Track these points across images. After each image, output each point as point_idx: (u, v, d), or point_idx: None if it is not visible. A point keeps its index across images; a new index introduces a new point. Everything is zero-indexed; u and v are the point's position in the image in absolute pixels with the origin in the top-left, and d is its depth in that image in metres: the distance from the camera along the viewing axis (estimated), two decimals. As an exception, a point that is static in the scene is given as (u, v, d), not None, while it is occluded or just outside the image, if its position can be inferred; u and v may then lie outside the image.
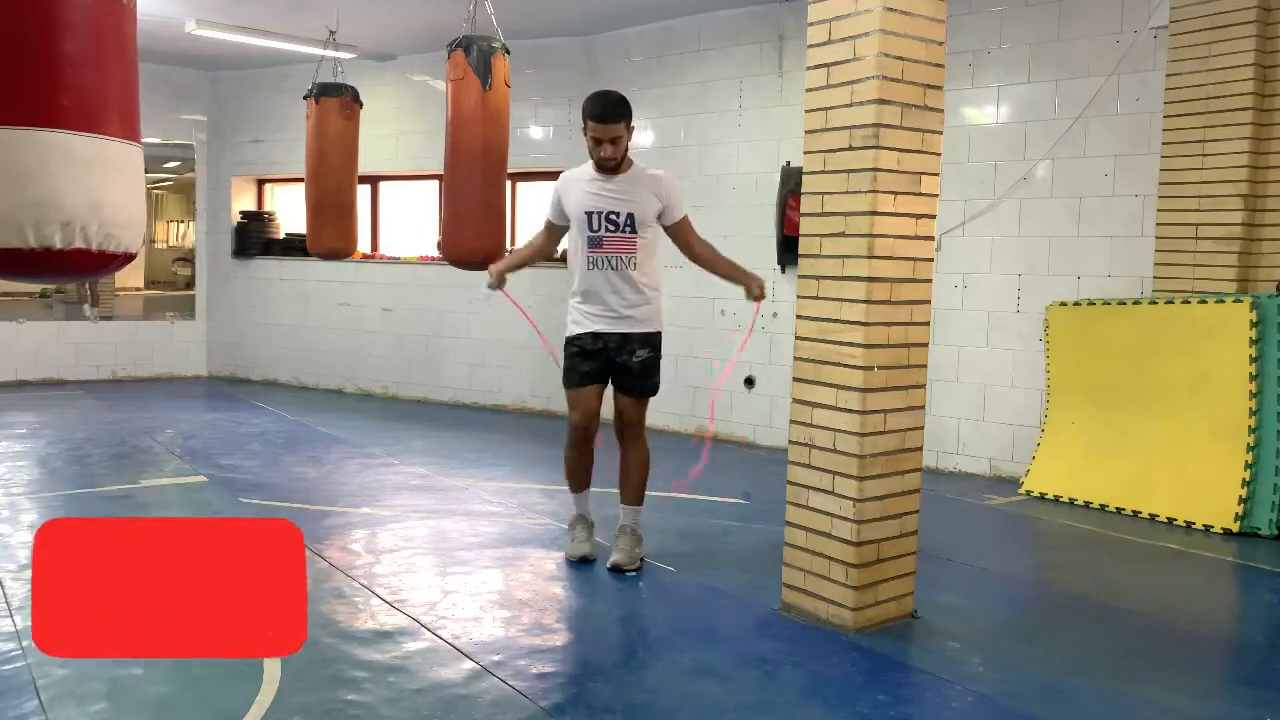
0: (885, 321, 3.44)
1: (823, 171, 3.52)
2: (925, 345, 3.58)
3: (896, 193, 3.42)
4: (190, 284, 11.10)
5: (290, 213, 9.80)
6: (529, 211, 8.32)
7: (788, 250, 6.54)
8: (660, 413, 6.92)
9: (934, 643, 3.43)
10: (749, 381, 7.09)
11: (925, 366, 3.60)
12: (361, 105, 6.81)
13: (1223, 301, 5.05)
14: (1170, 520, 5.09)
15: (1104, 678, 3.18)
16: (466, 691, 2.96)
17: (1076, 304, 5.63)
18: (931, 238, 3.56)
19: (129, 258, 2.35)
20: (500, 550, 4.40)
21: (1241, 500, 4.89)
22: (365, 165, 7.10)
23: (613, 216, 4.01)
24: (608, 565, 4.12)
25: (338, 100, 6.63)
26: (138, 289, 17.78)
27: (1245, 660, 3.55)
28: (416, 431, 7.29)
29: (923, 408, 3.60)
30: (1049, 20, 5.87)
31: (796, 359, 3.63)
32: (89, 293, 11.13)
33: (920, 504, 3.63)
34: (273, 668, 3.04)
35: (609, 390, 4.19)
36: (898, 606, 3.58)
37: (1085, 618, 3.80)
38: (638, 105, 4.56)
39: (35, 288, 14.09)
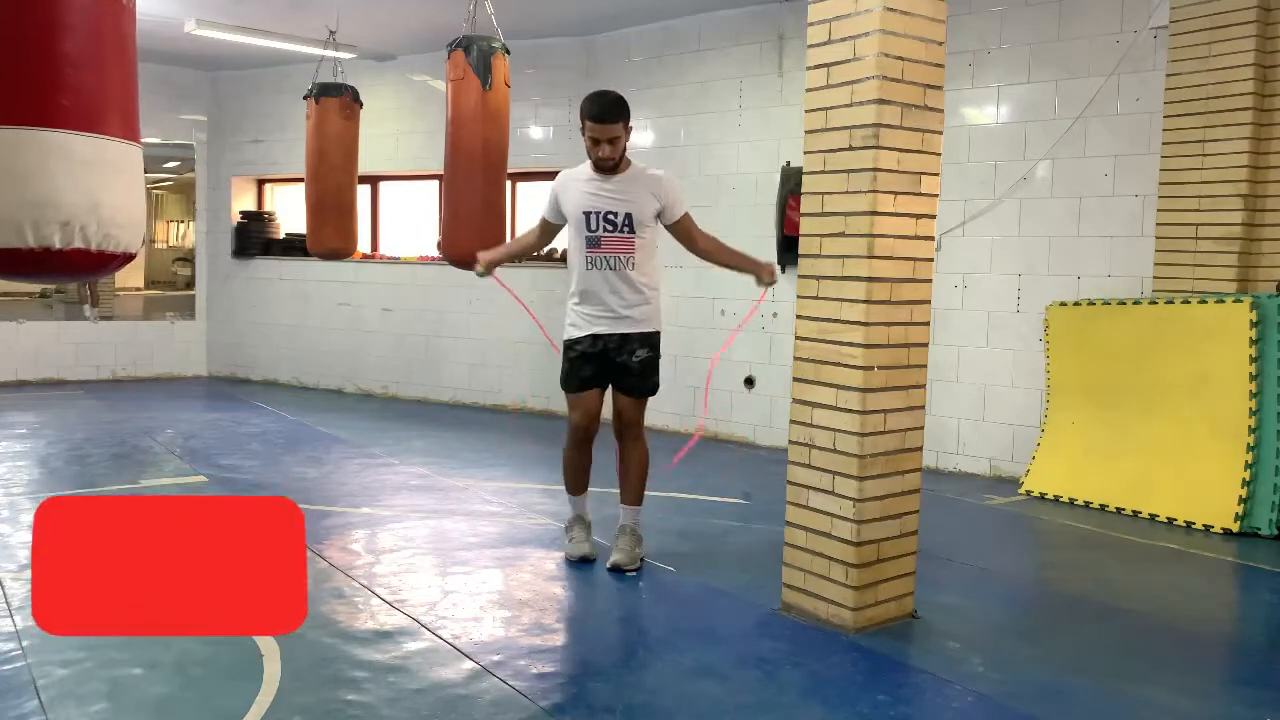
0: (885, 321, 3.44)
1: (823, 171, 3.52)
2: (925, 345, 3.58)
3: (896, 193, 3.42)
4: (190, 284, 11.10)
5: (290, 213, 9.80)
6: (529, 211, 8.32)
7: (788, 250, 6.54)
8: (660, 412, 6.92)
9: (934, 643, 3.43)
10: (749, 381, 7.09)
11: (925, 366, 3.60)
12: (361, 105, 6.81)
13: (1223, 301, 5.05)
14: (1170, 520, 5.09)
15: (1104, 678, 3.18)
16: (466, 691, 2.96)
17: (1076, 304, 5.63)
18: (931, 238, 3.56)
19: (128, 258, 2.35)
20: (500, 550, 4.40)
21: (1241, 500, 4.89)
22: (365, 165, 7.10)
23: (611, 216, 4.01)
24: (608, 565, 4.12)
25: (338, 100, 6.63)
26: (138, 289, 17.78)
27: (1245, 660, 3.55)
28: (416, 431, 7.29)
29: (923, 408, 3.60)
30: (1049, 20, 5.87)
31: (796, 359, 3.63)
32: (89, 293, 11.13)
33: (920, 504, 3.63)
34: (273, 668, 3.04)
35: (608, 390, 4.19)
36: (898, 606, 3.58)
37: (1085, 618, 3.80)
38: (638, 105, 4.57)
39: (35, 288, 14.09)
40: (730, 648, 3.35)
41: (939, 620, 3.62)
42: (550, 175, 4.35)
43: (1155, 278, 5.49)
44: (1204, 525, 4.97)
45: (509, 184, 5.90)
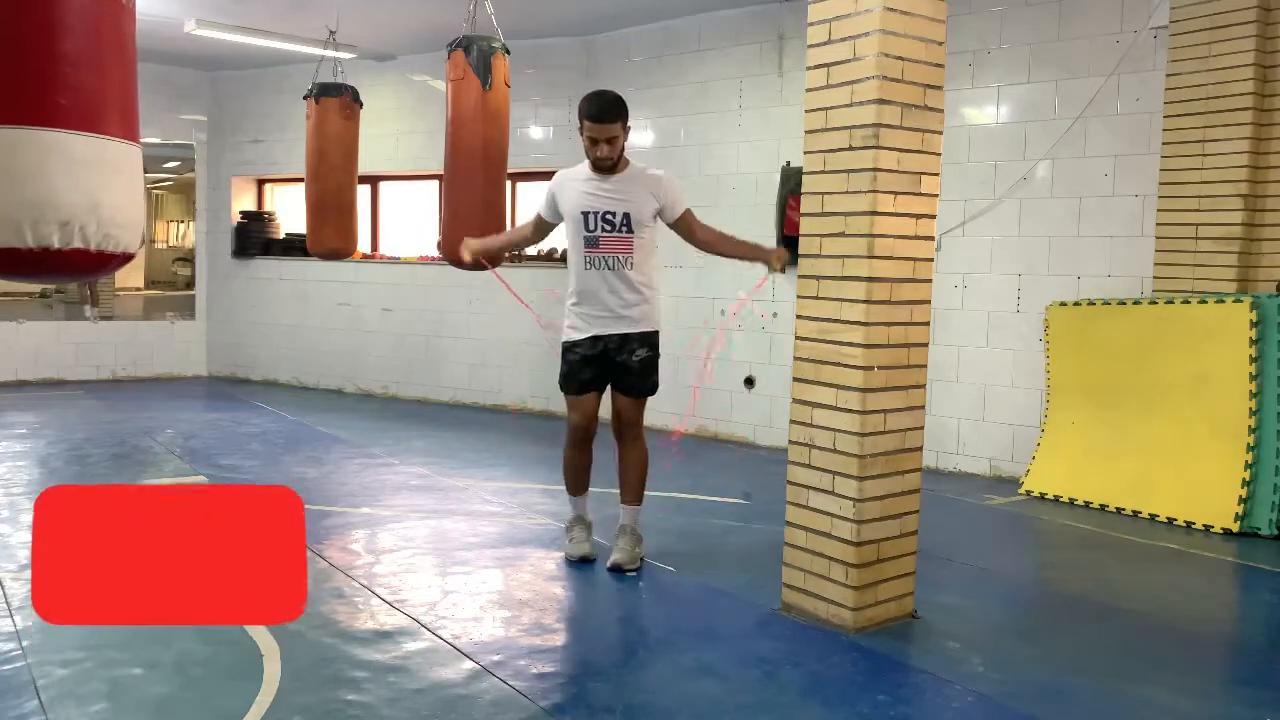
0: (885, 321, 3.44)
1: (823, 171, 3.52)
2: (925, 345, 3.58)
3: (896, 193, 3.42)
4: (190, 284, 11.11)
5: (290, 213, 9.80)
6: (529, 211, 8.29)
7: (788, 250, 6.53)
8: (659, 412, 6.92)
9: (934, 643, 3.43)
10: (749, 381, 7.09)
11: (925, 366, 3.60)
12: (361, 105, 6.81)
13: (1223, 301, 5.05)
14: (1170, 520, 5.09)
15: (1104, 678, 3.18)
16: (466, 691, 2.96)
17: (1076, 304, 5.63)
18: (931, 238, 3.56)
19: (127, 258, 2.35)
20: (500, 550, 4.40)
21: (1241, 500, 4.89)
22: (365, 165, 7.11)
23: (609, 216, 4.01)
24: (608, 565, 4.12)
25: (338, 100, 6.63)
26: (138, 289, 17.79)
27: (1245, 660, 3.55)
28: (416, 431, 7.29)
29: (923, 408, 3.60)
30: (1049, 20, 5.87)
31: (796, 359, 3.63)
32: (89, 293, 11.14)
33: (920, 504, 3.63)
34: (273, 668, 3.04)
35: (607, 390, 4.19)
36: (898, 606, 3.58)
37: (1085, 618, 3.80)
38: (637, 105, 4.57)
39: (35, 288, 14.10)
40: (730, 648, 3.35)
41: (939, 620, 3.61)
42: (550, 175, 4.36)
43: (1155, 278, 5.49)
44: (1204, 525, 4.97)
45: (509, 184, 5.90)
